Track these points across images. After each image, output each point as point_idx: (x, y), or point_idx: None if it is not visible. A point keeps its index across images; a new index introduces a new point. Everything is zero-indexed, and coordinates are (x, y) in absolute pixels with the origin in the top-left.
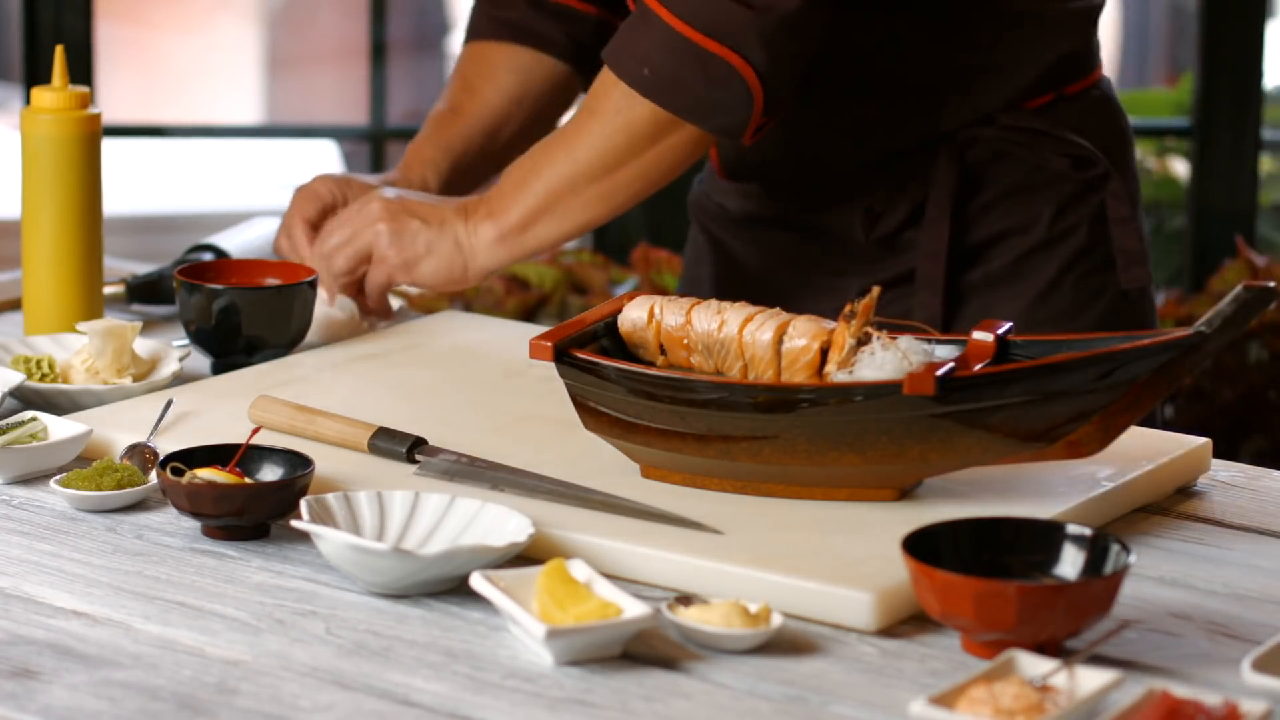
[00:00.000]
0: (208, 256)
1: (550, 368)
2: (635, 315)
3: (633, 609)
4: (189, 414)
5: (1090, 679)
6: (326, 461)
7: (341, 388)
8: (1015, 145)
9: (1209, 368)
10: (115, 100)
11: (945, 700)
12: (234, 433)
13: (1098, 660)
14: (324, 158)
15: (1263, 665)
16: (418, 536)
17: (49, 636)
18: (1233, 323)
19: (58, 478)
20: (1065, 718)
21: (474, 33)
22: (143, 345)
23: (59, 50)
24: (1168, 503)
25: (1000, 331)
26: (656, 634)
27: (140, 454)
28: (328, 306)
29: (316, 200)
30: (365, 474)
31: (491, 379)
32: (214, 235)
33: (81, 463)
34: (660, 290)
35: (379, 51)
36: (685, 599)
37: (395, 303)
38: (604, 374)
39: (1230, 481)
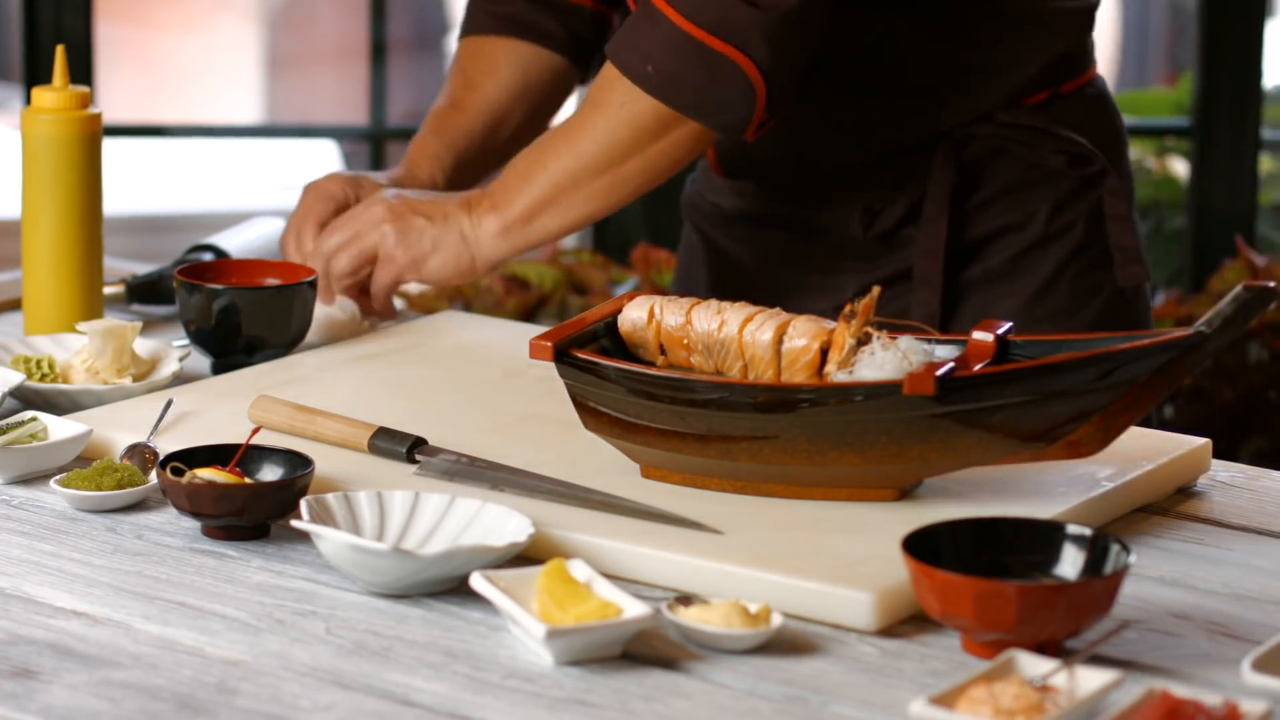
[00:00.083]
0: (208, 256)
1: (550, 368)
2: (635, 315)
3: (633, 609)
4: (189, 414)
5: (1090, 679)
6: (326, 461)
7: (341, 388)
8: (1013, 142)
9: (1209, 368)
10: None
11: (945, 700)
12: (234, 433)
13: (1098, 660)
14: (324, 158)
15: (1263, 665)
16: (418, 536)
17: (49, 636)
18: (1233, 323)
19: (58, 478)
20: (1065, 718)
21: (471, 27)
22: (143, 345)
23: (59, 50)
24: (1168, 503)
25: (1000, 331)
26: (656, 634)
27: (140, 454)
28: (328, 307)
29: (330, 200)
30: (365, 474)
31: (491, 379)
32: (214, 235)
33: (81, 463)
34: (660, 290)
35: (379, 51)
36: (685, 599)
37: (398, 303)
38: (604, 374)
39: (1230, 481)
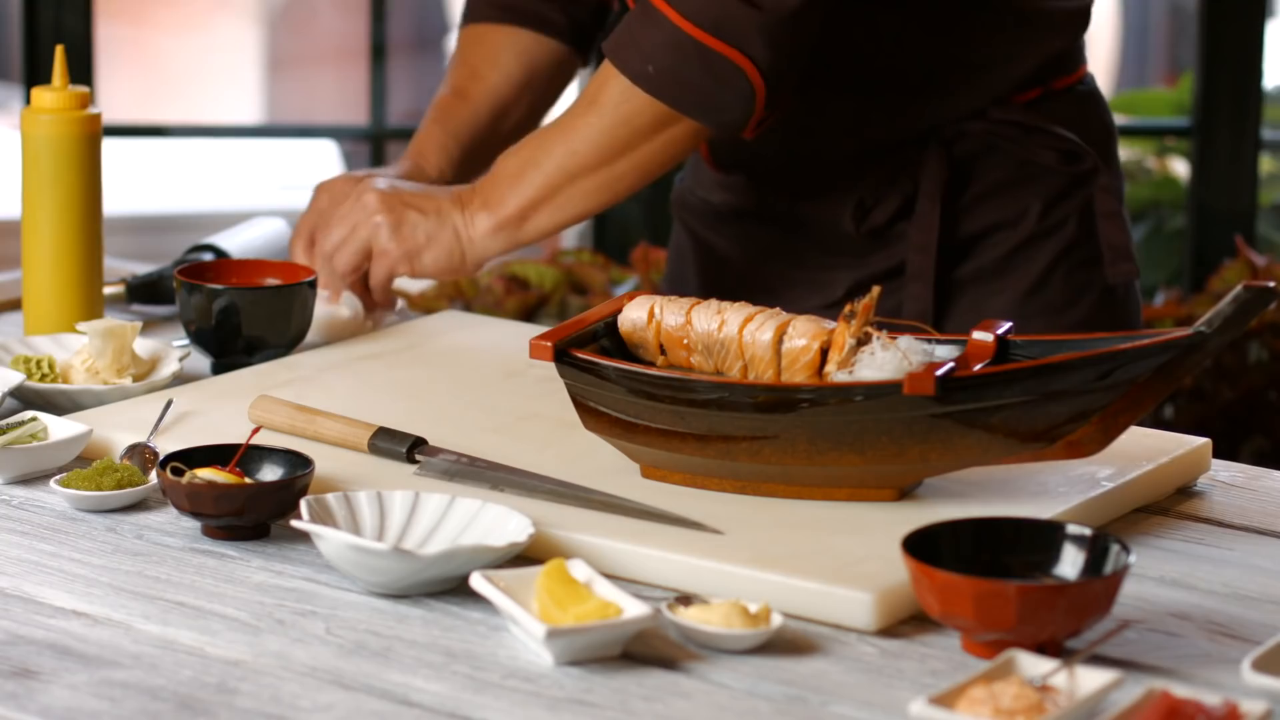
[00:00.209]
0: (208, 256)
1: (550, 368)
2: (635, 315)
3: (633, 609)
4: (189, 414)
5: (1090, 679)
6: (326, 461)
7: (341, 388)
8: (1004, 139)
9: (1209, 368)
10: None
11: (945, 700)
12: (234, 433)
13: (1098, 660)
14: (324, 158)
15: (1263, 665)
16: (418, 536)
17: (49, 636)
18: (1233, 323)
19: (58, 478)
20: (1065, 718)
21: (473, 15)
22: (143, 345)
23: (59, 50)
24: (1168, 503)
25: (1000, 331)
26: (656, 634)
27: (140, 454)
28: (332, 305)
29: (341, 200)
30: (365, 474)
31: (491, 379)
32: (214, 235)
33: (81, 463)
34: (660, 290)
35: (379, 51)
36: (685, 599)
37: (398, 303)
38: (604, 374)
39: (1230, 481)
